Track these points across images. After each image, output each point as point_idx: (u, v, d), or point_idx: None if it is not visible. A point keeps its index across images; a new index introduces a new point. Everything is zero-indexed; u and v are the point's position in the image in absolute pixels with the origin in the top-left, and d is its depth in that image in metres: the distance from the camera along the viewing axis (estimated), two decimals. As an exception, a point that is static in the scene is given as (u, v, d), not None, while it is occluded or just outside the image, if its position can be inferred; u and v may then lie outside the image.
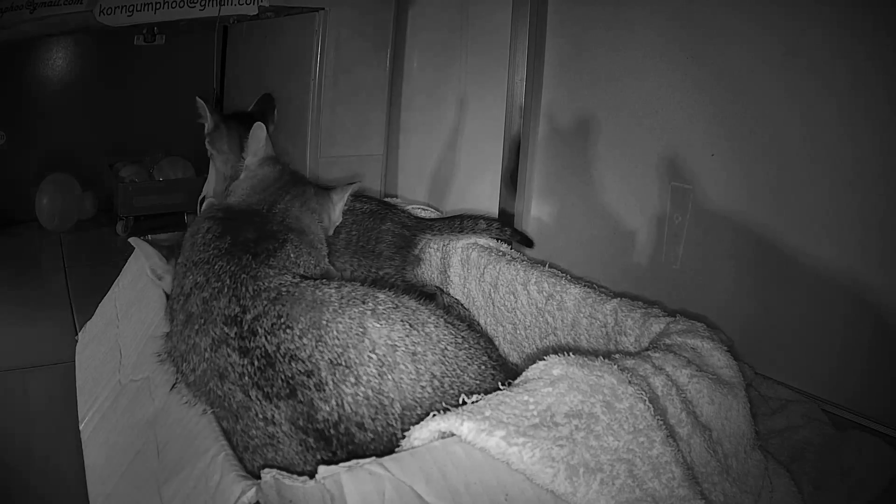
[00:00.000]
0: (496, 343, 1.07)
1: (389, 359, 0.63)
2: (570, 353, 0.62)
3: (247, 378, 0.63)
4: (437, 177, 1.68)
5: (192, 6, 1.45)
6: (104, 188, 2.18)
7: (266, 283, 0.70)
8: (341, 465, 0.50)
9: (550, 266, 1.04)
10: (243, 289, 0.69)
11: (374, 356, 0.63)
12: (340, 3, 1.61)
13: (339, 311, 0.66)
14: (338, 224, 0.96)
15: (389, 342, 0.64)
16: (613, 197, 1.26)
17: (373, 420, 0.60)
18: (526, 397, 0.58)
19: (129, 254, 1.16)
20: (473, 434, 0.53)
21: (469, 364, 0.66)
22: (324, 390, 0.61)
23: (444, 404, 0.62)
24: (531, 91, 1.34)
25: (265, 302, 0.67)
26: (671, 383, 0.66)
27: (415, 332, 0.65)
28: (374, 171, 1.75)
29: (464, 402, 0.58)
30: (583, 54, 1.29)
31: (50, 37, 2.06)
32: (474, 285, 1.13)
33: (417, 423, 0.57)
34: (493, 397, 0.58)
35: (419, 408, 0.62)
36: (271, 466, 0.56)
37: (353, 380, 0.61)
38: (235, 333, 0.66)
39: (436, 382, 0.63)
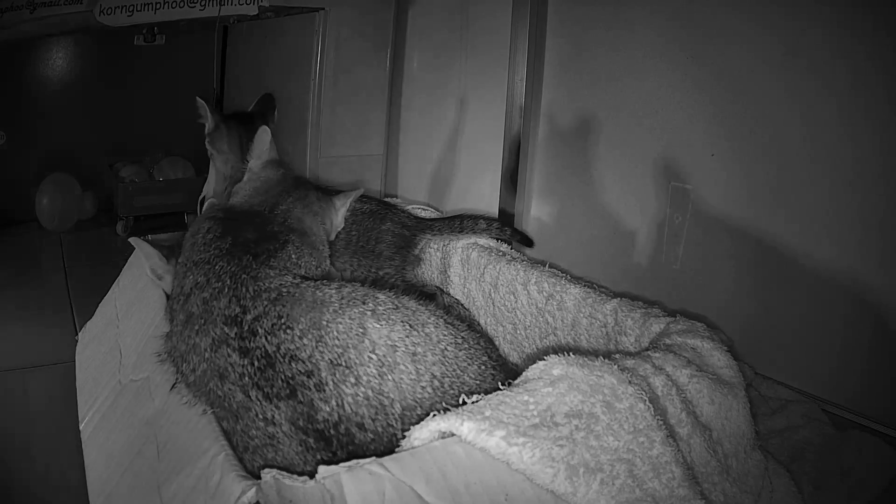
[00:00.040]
0: (496, 343, 1.07)
1: (389, 359, 0.63)
2: (570, 353, 0.62)
3: (247, 378, 0.63)
4: (437, 177, 1.68)
5: (192, 6, 1.45)
6: (104, 188, 2.18)
7: (266, 284, 0.70)
8: (341, 465, 0.50)
9: (550, 266, 1.04)
10: (244, 289, 0.69)
11: (374, 356, 0.63)
12: (340, 3, 1.61)
13: (340, 311, 0.66)
14: (340, 229, 0.96)
15: (389, 342, 0.64)
16: (613, 197, 1.26)
17: (373, 420, 0.60)
18: (526, 397, 0.58)
19: (129, 254, 1.16)
20: (473, 434, 0.53)
21: (469, 364, 0.66)
22: (324, 391, 0.61)
23: (444, 404, 0.62)
24: (531, 91, 1.34)
25: (265, 302, 0.67)
26: (671, 383, 0.66)
27: (415, 333, 0.65)
28: (374, 171, 1.75)
29: (464, 403, 0.58)
30: (583, 54, 1.29)
31: (50, 37, 2.06)
32: (474, 285, 1.13)
33: (417, 423, 0.57)
34: (494, 397, 0.58)
35: (419, 408, 0.62)
36: (271, 466, 0.56)
37: (353, 380, 0.61)
38: (236, 334, 0.66)
39: (436, 383, 0.63)
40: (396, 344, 0.64)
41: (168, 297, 0.85)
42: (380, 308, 0.67)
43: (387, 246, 1.10)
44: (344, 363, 0.62)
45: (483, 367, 0.67)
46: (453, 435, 0.54)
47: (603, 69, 1.25)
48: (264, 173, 0.94)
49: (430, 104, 1.69)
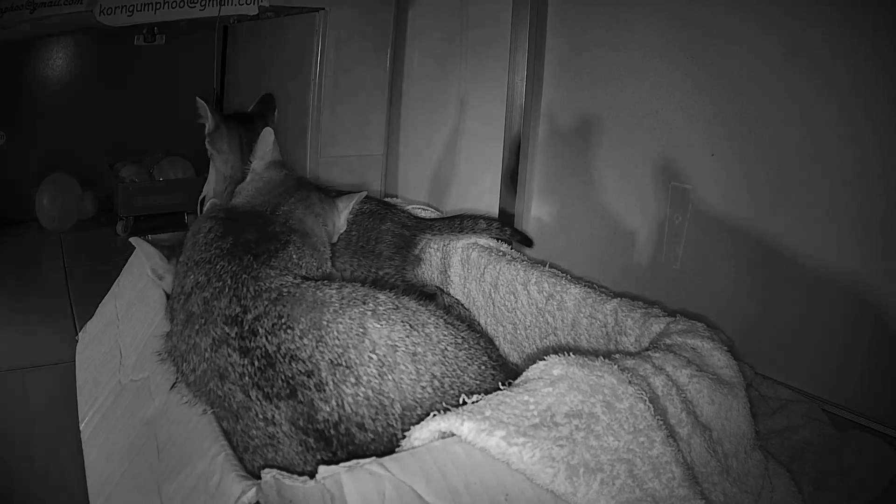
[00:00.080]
0: (496, 343, 1.07)
1: (390, 359, 0.63)
2: (571, 353, 0.62)
3: (247, 378, 0.63)
4: (437, 177, 1.68)
5: (192, 6, 1.45)
6: (104, 188, 2.18)
7: (267, 284, 0.70)
8: (341, 465, 0.50)
9: (550, 266, 1.04)
10: (244, 289, 0.69)
11: (374, 356, 0.63)
12: (340, 3, 1.61)
13: (340, 311, 0.66)
14: (342, 231, 0.96)
15: (390, 343, 0.64)
16: (613, 197, 1.26)
17: (373, 420, 0.60)
18: (526, 397, 0.58)
19: (129, 254, 1.16)
20: (474, 434, 0.53)
21: (469, 364, 0.66)
22: (324, 391, 0.61)
23: (444, 404, 0.62)
24: (531, 91, 1.34)
25: (266, 302, 0.68)
26: (671, 383, 0.66)
27: (415, 333, 0.65)
28: (374, 171, 1.75)
29: (464, 402, 0.58)
30: (583, 54, 1.29)
31: (50, 37, 2.06)
32: (474, 285, 1.13)
33: (418, 423, 0.57)
34: (494, 397, 0.58)
35: (419, 408, 0.62)
36: (271, 466, 0.56)
37: (353, 380, 0.61)
38: (236, 333, 0.66)
39: (436, 383, 0.63)
40: (397, 344, 0.64)
41: (168, 296, 0.85)
42: (380, 308, 0.67)
43: (387, 246, 1.10)
44: (344, 363, 0.62)
45: (483, 367, 0.67)
46: (453, 435, 0.54)
47: (603, 69, 1.25)
48: (267, 174, 0.94)
49: (430, 104, 1.69)
